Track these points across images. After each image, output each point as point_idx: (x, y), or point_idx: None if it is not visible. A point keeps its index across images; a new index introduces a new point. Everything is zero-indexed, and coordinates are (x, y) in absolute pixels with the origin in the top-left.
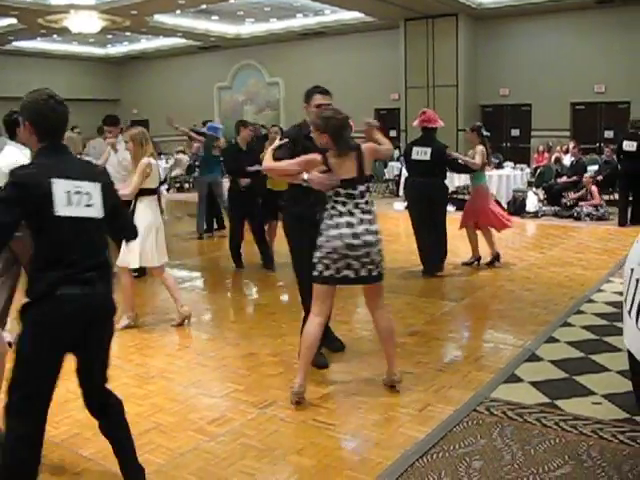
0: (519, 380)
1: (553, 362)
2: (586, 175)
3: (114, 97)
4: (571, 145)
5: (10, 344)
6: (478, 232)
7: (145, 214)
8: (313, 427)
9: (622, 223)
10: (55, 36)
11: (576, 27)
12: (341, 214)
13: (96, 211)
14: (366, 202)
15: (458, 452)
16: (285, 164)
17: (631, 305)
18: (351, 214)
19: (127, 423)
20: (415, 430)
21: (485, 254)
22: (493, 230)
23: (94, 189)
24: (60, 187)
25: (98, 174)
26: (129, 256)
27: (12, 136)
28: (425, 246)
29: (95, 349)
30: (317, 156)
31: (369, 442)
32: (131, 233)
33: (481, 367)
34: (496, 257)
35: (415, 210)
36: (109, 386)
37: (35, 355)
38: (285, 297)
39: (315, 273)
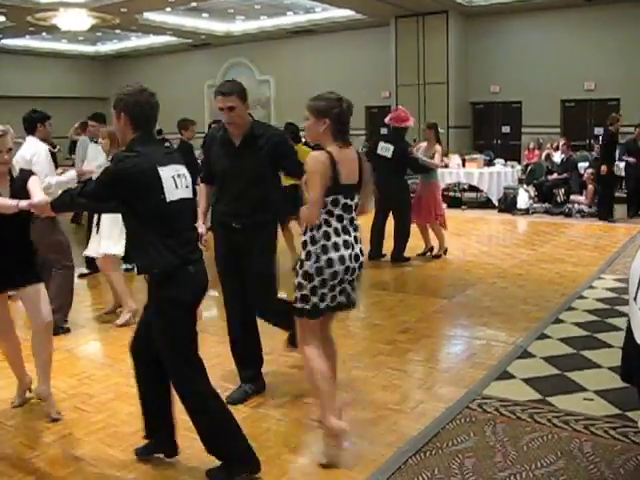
0: (511, 377)
1: (545, 359)
2: (588, 171)
3: (104, 95)
4: (561, 142)
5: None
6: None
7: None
8: (306, 425)
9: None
10: (44, 34)
11: (566, 24)
12: (337, 231)
13: (190, 191)
14: (354, 217)
15: (451, 449)
16: (317, 195)
17: None
18: (347, 231)
19: None
20: (408, 427)
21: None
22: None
23: (185, 171)
24: (166, 173)
25: (179, 158)
26: (118, 246)
27: (32, 132)
28: (379, 234)
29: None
30: (322, 155)
31: (362, 440)
32: None
33: (473, 364)
34: (430, 249)
35: (378, 209)
36: None
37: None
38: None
39: (307, 307)
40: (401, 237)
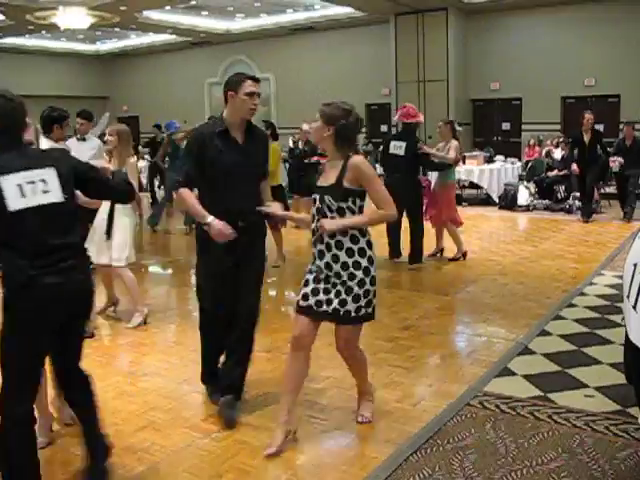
0: (512, 374)
1: (546, 355)
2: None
3: (104, 94)
4: (561, 139)
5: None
6: (429, 224)
7: (126, 212)
8: (307, 423)
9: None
10: (44, 32)
11: (566, 21)
12: (362, 232)
13: (56, 195)
14: None
15: (452, 446)
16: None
17: (636, 299)
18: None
19: (94, 396)
20: (409, 425)
21: (431, 247)
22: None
23: (51, 175)
24: (10, 181)
25: (49, 161)
26: (125, 252)
27: (48, 132)
28: (395, 237)
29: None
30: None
31: (363, 437)
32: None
33: (474, 361)
34: (440, 251)
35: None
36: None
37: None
38: (278, 293)
39: (369, 311)
40: (419, 238)
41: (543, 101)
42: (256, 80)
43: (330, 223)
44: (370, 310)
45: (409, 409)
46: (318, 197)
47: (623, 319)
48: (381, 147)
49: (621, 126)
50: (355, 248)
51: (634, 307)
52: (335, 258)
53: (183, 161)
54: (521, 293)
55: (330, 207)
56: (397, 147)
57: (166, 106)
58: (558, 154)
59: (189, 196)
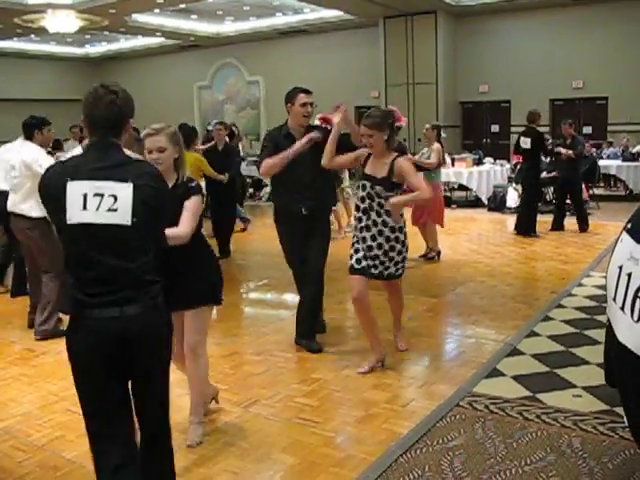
0: (501, 374)
1: (534, 356)
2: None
3: None
4: (550, 141)
5: None
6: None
7: None
8: (297, 425)
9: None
10: (32, 36)
11: (554, 24)
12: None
13: (119, 217)
14: None
15: (441, 447)
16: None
17: (623, 301)
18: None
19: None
20: (399, 426)
21: (420, 248)
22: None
23: (124, 191)
24: (76, 188)
25: (127, 173)
26: None
27: (30, 138)
28: None
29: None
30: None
31: (353, 439)
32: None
33: (463, 362)
34: (438, 254)
35: None
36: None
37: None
38: (268, 296)
39: (405, 265)
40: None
41: (532, 103)
42: (308, 92)
43: (396, 200)
44: (405, 264)
45: (399, 410)
46: (369, 184)
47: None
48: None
49: (620, 127)
50: (396, 227)
51: (622, 308)
52: (380, 232)
53: (261, 154)
54: (510, 294)
55: (379, 194)
56: None
57: (155, 109)
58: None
59: (273, 158)
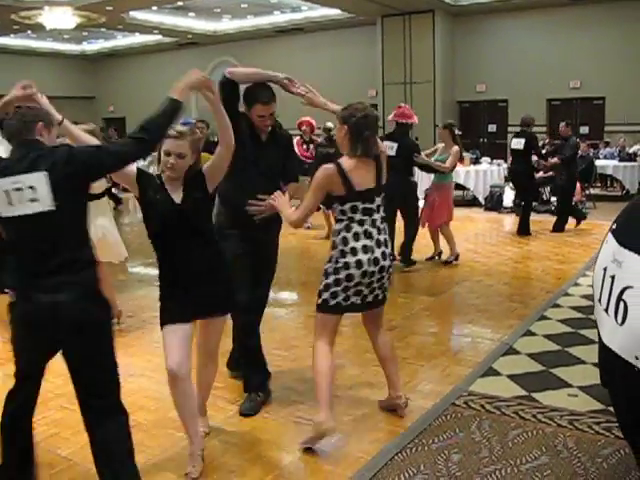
0: (497, 374)
1: (530, 355)
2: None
3: (90, 94)
4: (547, 141)
5: None
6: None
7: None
8: (293, 423)
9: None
10: (29, 32)
11: (552, 23)
12: (357, 236)
13: (44, 205)
14: (381, 218)
15: (437, 445)
16: (309, 205)
17: (608, 303)
18: (369, 235)
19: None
20: (394, 425)
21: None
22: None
23: (41, 182)
24: None
25: (41, 165)
26: (113, 250)
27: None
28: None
29: (75, 364)
30: (329, 169)
31: (348, 437)
32: None
33: (459, 361)
34: (439, 254)
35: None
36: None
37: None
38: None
39: (319, 301)
40: (411, 240)
41: (529, 103)
42: (267, 103)
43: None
44: (317, 300)
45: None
46: None
47: None
48: None
49: (616, 127)
50: (331, 244)
51: (606, 310)
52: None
53: None
54: (506, 294)
55: None
56: (388, 147)
57: (153, 107)
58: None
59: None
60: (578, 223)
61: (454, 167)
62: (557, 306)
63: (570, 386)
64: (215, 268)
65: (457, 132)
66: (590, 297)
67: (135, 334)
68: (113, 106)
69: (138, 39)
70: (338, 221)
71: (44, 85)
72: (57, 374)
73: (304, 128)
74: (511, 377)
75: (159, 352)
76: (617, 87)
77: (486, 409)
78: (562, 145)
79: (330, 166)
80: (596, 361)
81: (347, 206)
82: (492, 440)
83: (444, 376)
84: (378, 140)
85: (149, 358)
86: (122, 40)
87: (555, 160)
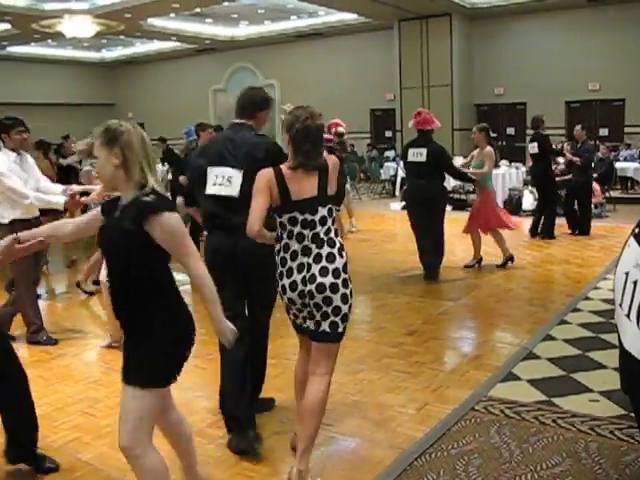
0: (517, 378)
1: (550, 360)
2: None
3: (109, 101)
4: (565, 143)
5: None
6: (485, 234)
7: None
8: None
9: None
10: (49, 41)
11: (570, 25)
12: (294, 255)
13: None
14: (327, 230)
15: (456, 451)
16: (256, 211)
17: (629, 308)
18: (307, 251)
19: None
20: (413, 429)
21: (491, 255)
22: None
23: None
24: None
25: None
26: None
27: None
28: (424, 250)
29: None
30: (267, 173)
31: (368, 442)
32: None
33: (479, 366)
34: (510, 258)
35: (414, 213)
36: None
37: None
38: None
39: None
40: (436, 251)
41: (547, 105)
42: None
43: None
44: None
45: (413, 414)
46: None
47: None
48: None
49: (636, 129)
50: None
51: (627, 315)
52: None
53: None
54: (525, 298)
55: None
56: (417, 154)
57: (171, 113)
58: (562, 159)
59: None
60: (574, 232)
61: (491, 170)
62: (577, 310)
63: (591, 391)
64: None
65: (491, 134)
66: (611, 301)
67: None
68: (132, 112)
69: (156, 46)
70: (277, 239)
71: (64, 93)
72: (77, 380)
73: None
74: (531, 382)
75: None
76: (637, 88)
77: (506, 414)
78: (580, 149)
79: (269, 169)
80: (617, 366)
81: (285, 218)
82: (512, 445)
83: (463, 381)
84: (324, 152)
85: None
86: (140, 47)
87: (575, 159)
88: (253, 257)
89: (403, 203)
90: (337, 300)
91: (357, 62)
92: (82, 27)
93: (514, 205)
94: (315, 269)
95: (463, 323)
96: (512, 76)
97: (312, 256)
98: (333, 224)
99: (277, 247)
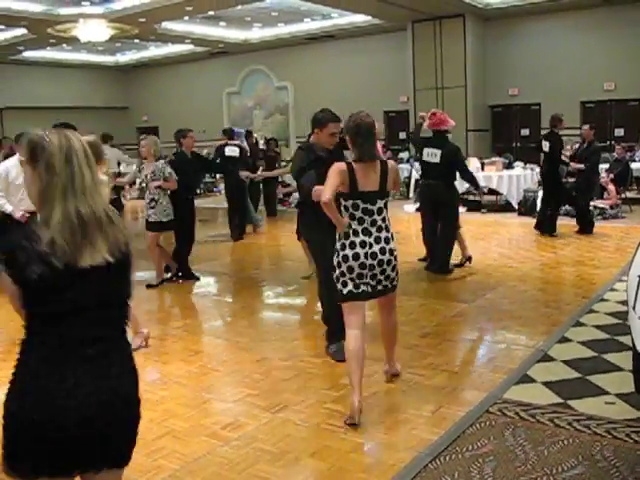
0: (532, 381)
1: (565, 362)
2: (602, 175)
3: (124, 105)
4: (568, 146)
5: None
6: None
7: None
8: (326, 430)
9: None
10: (64, 45)
11: (584, 25)
12: (356, 233)
13: None
14: (383, 219)
15: (471, 453)
16: (329, 192)
17: None
18: (367, 232)
19: None
20: (428, 432)
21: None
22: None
23: None
24: None
25: None
26: None
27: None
28: (434, 245)
29: None
30: (342, 165)
31: (382, 444)
32: None
33: (493, 368)
34: (468, 259)
35: (425, 212)
36: None
37: None
38: (297, 301)
39: (338, 293)
40: (444, 246)
41: (562, 106)
42: (337, 120)
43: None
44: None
45: (428, 416)
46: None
47: None
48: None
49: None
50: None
51: None
52: None
53: (299, 174)
54: (541, 299)
55: None
56: (432, 154)
57: (185, 116)
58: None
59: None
60: (582, 231)
61: None
62: (593, 312)
63: (607, 393)
64: None
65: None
66: (626, 303)
67: (169, 342)
68: (146, 116)
69: (170, 49)
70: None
71: (80, 96)
72: None
73: None
74: (546, 384)
75: (193, 359)
76: None
77: (521, 417)
78: (587, 149)
79: (343, 163)
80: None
81: (349, 203)
82: (527, 448)
83: (478, 383)
84: (377, 145)
85: (182, 365)
86: (155, 50)
87: (579, 166)
88: None
89: (417, 205)
90: (396, 265)
91: (371, 64)
92: (97, 31)
93: (529, 207)
94: (376, 247)
95: (477, 325)
96: (526, 77)
97: (373, 237)
98: (387, 213)
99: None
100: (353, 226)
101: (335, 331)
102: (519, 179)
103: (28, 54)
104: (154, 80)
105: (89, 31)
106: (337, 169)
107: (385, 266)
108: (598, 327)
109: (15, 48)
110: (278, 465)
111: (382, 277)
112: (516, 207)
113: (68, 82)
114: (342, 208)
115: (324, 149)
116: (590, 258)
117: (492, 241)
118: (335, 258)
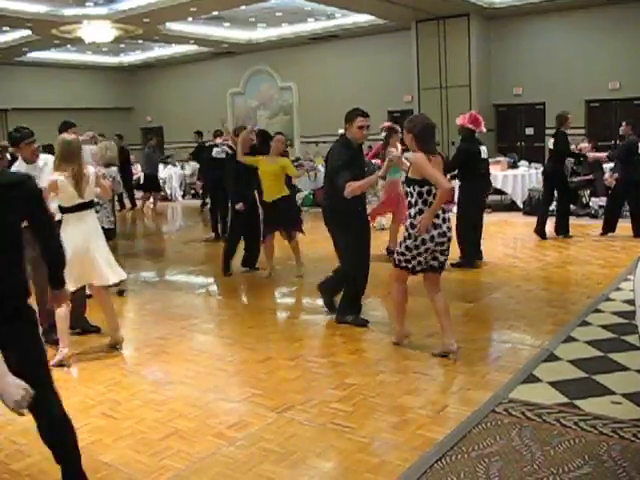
0: (537, 380)
1: (571, 362)
2: (606, 175)
3: (128, 105)
4: (585, 143)
5: None
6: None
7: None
8: (331, 430)
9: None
10: (69, 46)
11: (589, 24)
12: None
13: None
14: None
15: (477, 453)
16: (444, 179)
17: None
18: (436, 215)
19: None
20: (434, 432)
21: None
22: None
23: None
24: None
25: None
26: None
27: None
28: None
29: None
30: (425, 156)
31: (388, 444)
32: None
33: (499, 368)
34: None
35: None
36: None
37: None
38: (302, 301)
39: (403, 264)
40: (463, 241)
41: (567, 105)
42: (365, 115)
43: None
44: (400, 262)
45: (434, 416)
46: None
47: None
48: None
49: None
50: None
51: None
52: None
53: (340, 174)
54: (546, 299)
55: None
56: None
57: (189, 116)
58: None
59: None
60: (605, 232)
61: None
62: (598, 311)
63: (613, 393)
64: None
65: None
66: (632, 302)
67: (174, 342)
68: (151, 116)
69: (174, 50)
70: (412, 205)
71: (84, 97)
72: (98, 382)
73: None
74: (552, 384)
75: (198, 359)
76: None
77: (527, 416)
78: (618, 144)
79: (421, 153)
80: (639, 367)
81: (425, 188)
82: (533, 448)
83: (484, 383)
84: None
85: (188, 366)
86: (159, 51)
87: (600, 155)
88: None
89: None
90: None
91: (375, 64)
92: (101, 32)
93: (533, 206)
94: (444, 227)
95: (483, 324)
96: (531, 76)
97: (440, 218)
98: None
99: (412, 211)
100: (425, 209)
101: (352, 307)
102: (524, 178)
103: (33, 55)
104: (158, 81)
105: (93, 32)
106: (426, 159)
107: (449, 242)
108: (604, 327)
109: (20, 49)
110: (283, 465)
111: (447, 251)
112: (521, 206)
113: (73, 83)
114: (412, 194)
115: (356, 144)
116: (596, 257)
117: (497, 240)
118: (412, 242)
